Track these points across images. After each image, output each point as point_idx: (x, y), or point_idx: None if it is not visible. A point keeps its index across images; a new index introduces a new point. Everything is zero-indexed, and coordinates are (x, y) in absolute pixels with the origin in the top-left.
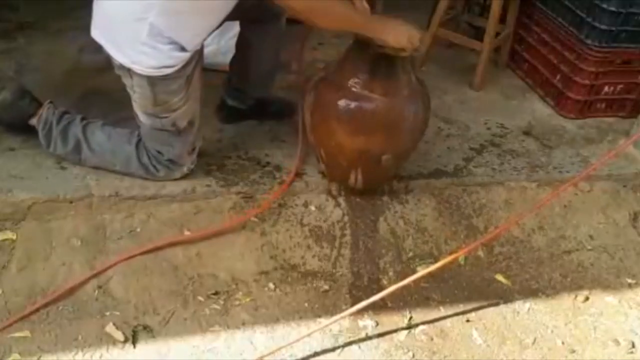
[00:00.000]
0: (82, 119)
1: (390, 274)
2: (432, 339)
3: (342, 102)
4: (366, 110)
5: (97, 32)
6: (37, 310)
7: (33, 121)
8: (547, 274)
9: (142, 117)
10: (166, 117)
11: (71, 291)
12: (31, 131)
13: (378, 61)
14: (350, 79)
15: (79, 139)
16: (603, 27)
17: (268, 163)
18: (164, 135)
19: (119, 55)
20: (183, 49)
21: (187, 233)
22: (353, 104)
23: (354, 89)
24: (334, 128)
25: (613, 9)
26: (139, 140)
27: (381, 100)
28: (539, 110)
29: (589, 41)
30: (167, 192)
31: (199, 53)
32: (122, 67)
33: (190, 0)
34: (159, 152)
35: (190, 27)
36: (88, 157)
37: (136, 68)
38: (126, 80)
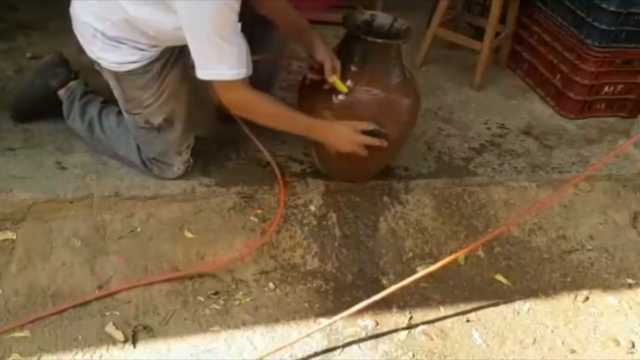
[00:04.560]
0: (103, 101)
1: (390, 274)
2: (432, 339)
3: (334, 96)
4: (358, 103)
5: (74, 27)
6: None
7: (61, 92)
8: (547, 274)
9: (124, 114)
10: (138, 114)
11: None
12: (52, 109)
13: (368, 54)
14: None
15: (93, 117)
16: (603, 27)
17: (268, 163)
18: (143, 133)
19: (88, 50)
20: (145, 49)
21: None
22: (345, 97)
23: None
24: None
25: (613, 9)
26: None
27: (372, 93)
28: (539, 110)
29: (589, 41)
30: (167, 192)
31: (178, 50)
32: (94, 61)
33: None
34: (145, 150)
35: (145, 37)
36: (100, 137)
37: (102, 62)
38: (103, 74)
